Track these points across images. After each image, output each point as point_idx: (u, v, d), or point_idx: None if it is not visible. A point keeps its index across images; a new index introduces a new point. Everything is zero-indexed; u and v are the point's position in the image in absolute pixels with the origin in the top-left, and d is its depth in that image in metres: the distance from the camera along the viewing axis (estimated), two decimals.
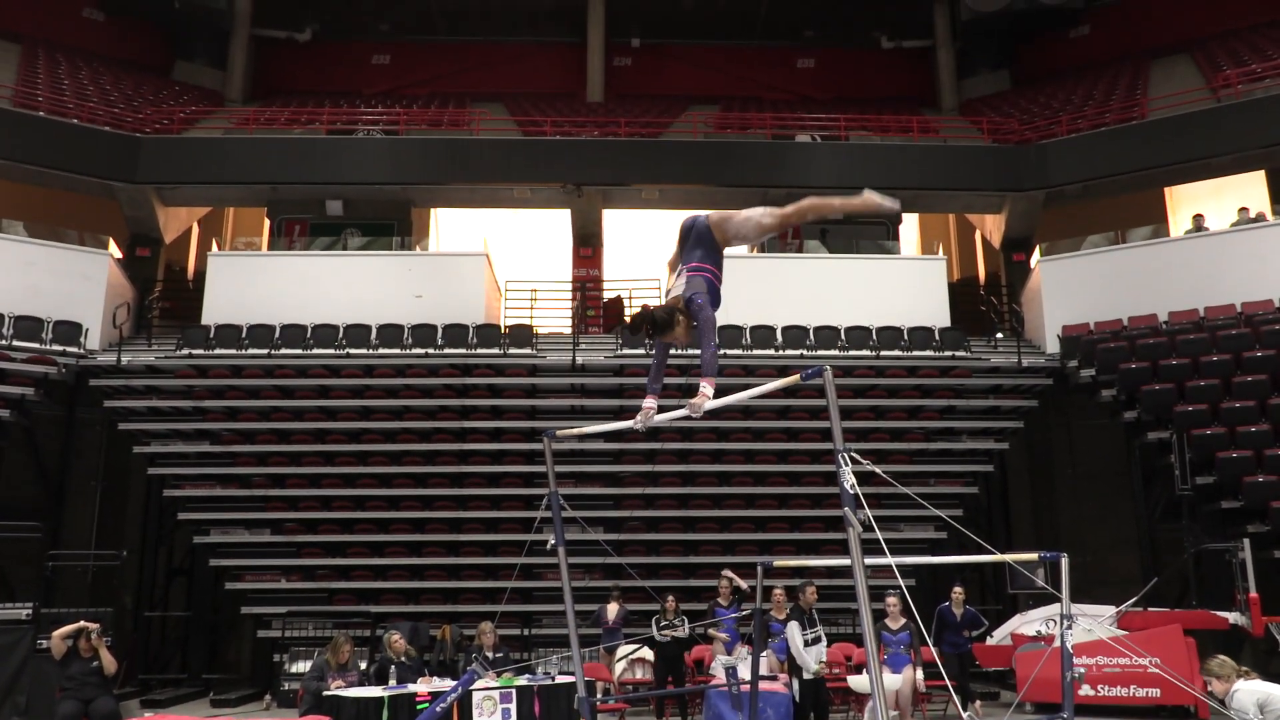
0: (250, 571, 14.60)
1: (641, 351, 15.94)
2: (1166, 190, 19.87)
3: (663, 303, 5.39)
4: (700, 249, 5.42)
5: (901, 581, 5.11)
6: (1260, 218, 17.29)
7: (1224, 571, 12.58)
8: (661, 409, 5.58)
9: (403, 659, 9.74)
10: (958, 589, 11.49)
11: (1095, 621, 11.01)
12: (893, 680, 9.45)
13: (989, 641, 12.81)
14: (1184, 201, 19.82)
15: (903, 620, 9.54)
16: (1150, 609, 12.21)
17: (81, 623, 9.32)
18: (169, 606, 15.54)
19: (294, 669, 12.96)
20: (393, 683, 9.26)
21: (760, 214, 5.57)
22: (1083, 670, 10.97)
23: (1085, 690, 10.95)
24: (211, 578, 14.97)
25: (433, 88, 24.28)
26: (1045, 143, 18.82)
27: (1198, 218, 17.85)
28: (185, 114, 20.41)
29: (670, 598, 11.28)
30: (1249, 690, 6.30)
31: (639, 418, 5.39)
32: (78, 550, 14.61)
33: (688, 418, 5.27)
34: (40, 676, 11.34)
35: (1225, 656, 6.74)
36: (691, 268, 5.35)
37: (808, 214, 5.63)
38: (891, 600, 9.49)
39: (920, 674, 9.53)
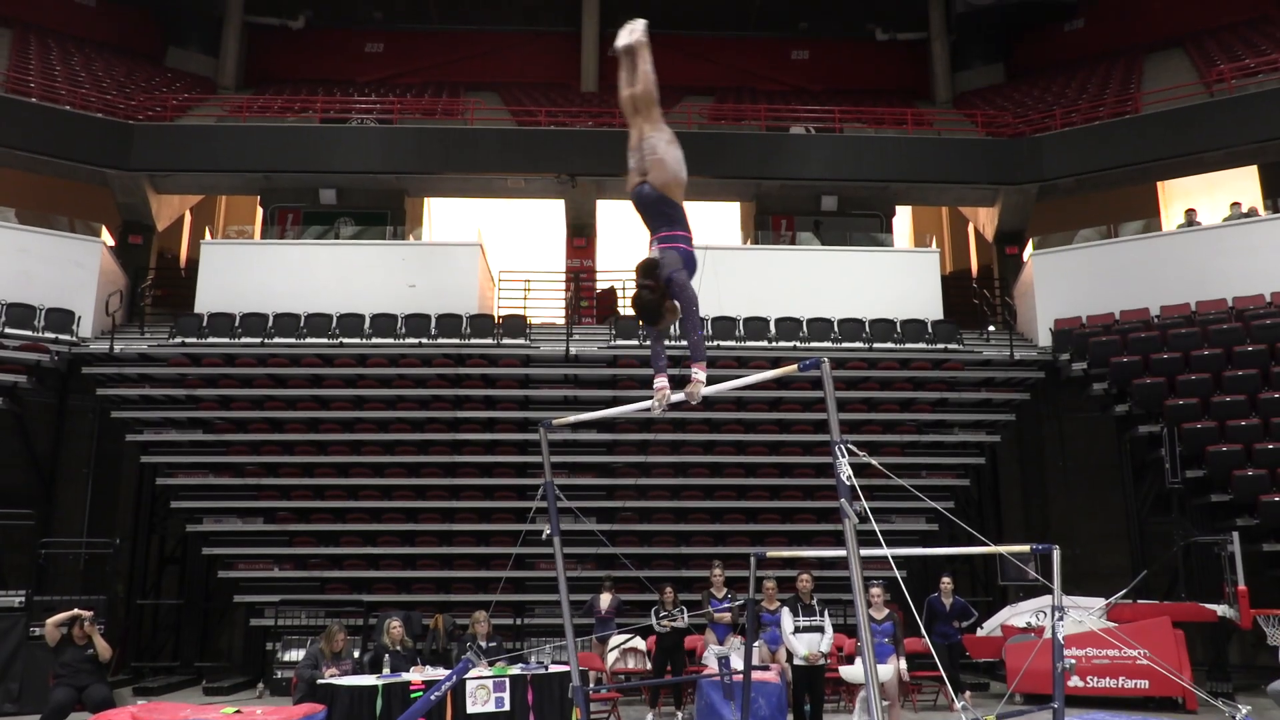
0: (243, 560, 14.61)
1: (635, 342, 15.95)
2: (1159, 184, 19.93)
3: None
4: (661, 217, 5.21)
5: (896, 573, 5.13)
6: (1252, 212, 17.35)
7: (1213, 564, 12.67)
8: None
9: (398, 648, 9.77)
10: (946, 579, 11.57)
11: (1085, 613, 11.08)
12: (882, 671, 9.50)
13: (979, 633, 12.90)
14: (1176, 196, 19.88)
15: (886, 611, 9.61)
16: (1139, 601, 12.30)
17: (75, 611, 9.35)
18: (161, 594, 15.56)
19: (287, 657, 12.97)
20: (387, 671, 9.28)
21: (653, 132, 5.56)
22: (1073, 662, 11.04)
23: (1075, 681, 11.01)
24: (204, 566, 15.03)
25: (426, 77, 24.22)
26: (1039, 136, 18.87)
27: (1190, 212, 17.90)
28: (178, 101, 20.33)
29: (668, 588, 11.35)
30: None
31: (655, 401, 5.21)
32: (69, 538, 14.60)
33: (684, 404, 5.22)
34: (33, 663, 11.43)
35: None
36: (661, 239, 5.16)
37: (650, 85, 5.81)
38: (875, 591, 9.53)
39: (904, 664, 9.61)
